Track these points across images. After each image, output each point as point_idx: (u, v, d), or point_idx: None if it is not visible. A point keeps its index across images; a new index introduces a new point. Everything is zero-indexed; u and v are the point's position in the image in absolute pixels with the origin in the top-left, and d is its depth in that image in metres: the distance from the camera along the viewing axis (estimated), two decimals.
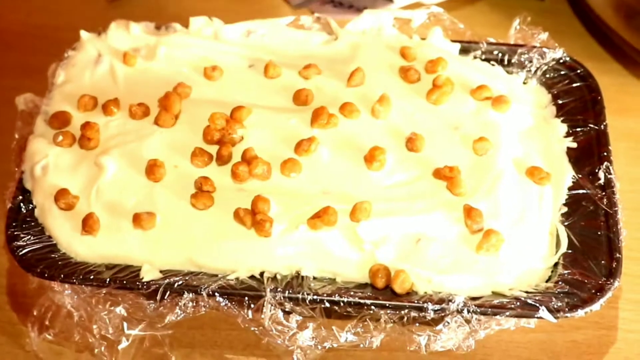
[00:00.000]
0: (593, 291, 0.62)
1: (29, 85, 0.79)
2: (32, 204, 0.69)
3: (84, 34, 0.79)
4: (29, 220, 0.68)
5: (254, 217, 0.65)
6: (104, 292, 0.64)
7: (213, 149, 0.70)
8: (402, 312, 0.61)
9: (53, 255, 0.66)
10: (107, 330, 0.64)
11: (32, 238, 0.67)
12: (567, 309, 0.61)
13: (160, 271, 0.64)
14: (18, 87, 0.79)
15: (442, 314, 0.61)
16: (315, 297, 0.62)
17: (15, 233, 0.67)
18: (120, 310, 0.64)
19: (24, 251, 0.66)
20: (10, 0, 1.00)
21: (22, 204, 0.69)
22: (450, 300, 0.61)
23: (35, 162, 0.70)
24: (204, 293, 0.62)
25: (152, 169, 0.68)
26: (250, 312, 0.62)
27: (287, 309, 0.62)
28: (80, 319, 0.65)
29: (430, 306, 0.61)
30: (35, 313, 0.66)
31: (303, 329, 0.63)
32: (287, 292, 0.62)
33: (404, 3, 0.89)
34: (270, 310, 0.61)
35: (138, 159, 0.69)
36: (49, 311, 0.66)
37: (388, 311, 0.61)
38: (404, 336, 0.63)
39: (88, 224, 0.65)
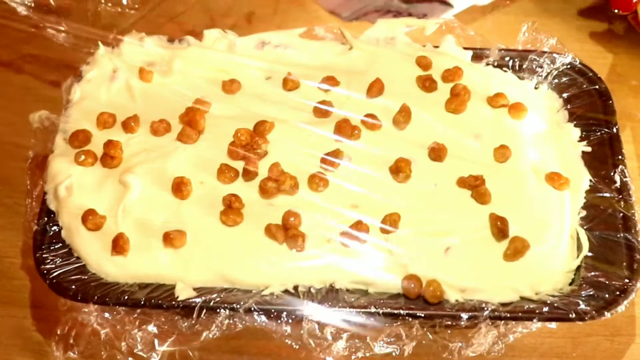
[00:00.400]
0: (617, 293, 0.64)
1: None
2: (57, 225, 0.68)
3: (100, 48, 0.78)
4: (55, 241, 0.67)
5: (286, 232, 0.65)
6: (139, 311, 0.64)
7: (238, 164, 0.70)
8: (437, 320, 0.63)
9: (83, 277, 0.65)
10: (137, 347, 0.64)
11: (59, 260, 0.66)
12: (594, 312, 0.62)
13: (194, 288, 0.64)
14: None
15: (476, 321, 0.63)
16: (351, 310, 0.63)
17: (44, 256, 0.66)
18: (152, 328, 0.64)
19: (54, 274, 0.65)
20: None
21: (46, 226, 0.68)
22: (482, 308, 0.62)
23: (59, 183, 0.69)
24: (241, 310, 0.62)
25: (179, 187, 0.68)
26: (288, 327, 0.63)
27: (323, 322, 0.63)
28: (106, 337, 0.65)
29: (464, 314, 0.62)
30: (59, 332, 0.66)
31: (337, 339, 0.64)
32: (324, 305, 0.63)
33: (463, 7, 0.88)
34: (308, 324, 0.62)
35: (163, 176, 0.69)
36: (72, 329, 0.65)
37: (423, 320, 0.63)
38: (436, 343, 0.65)
39: (119, 245, 0.65)
